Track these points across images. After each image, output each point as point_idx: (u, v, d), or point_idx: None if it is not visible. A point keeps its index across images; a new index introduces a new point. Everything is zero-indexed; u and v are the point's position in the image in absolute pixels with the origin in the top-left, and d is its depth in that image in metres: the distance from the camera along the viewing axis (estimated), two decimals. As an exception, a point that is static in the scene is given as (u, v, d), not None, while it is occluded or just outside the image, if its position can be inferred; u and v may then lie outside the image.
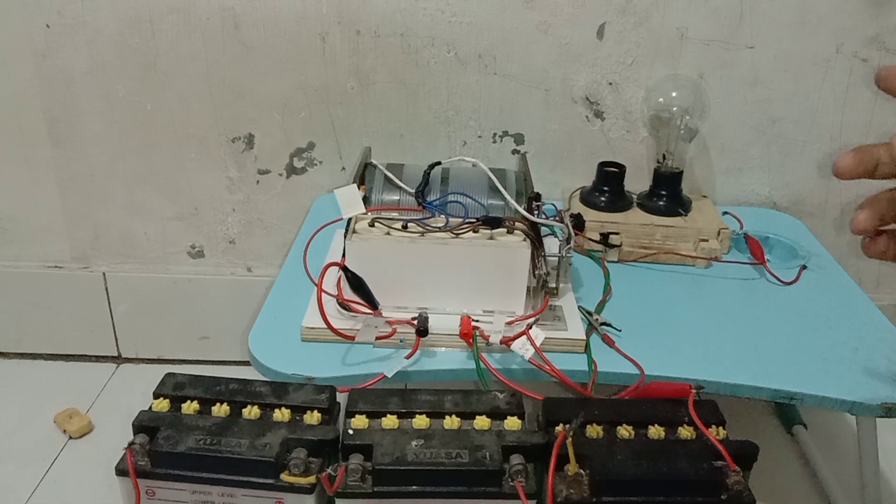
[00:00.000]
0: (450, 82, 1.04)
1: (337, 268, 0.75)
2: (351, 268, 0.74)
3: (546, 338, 0.72)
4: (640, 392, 0.69)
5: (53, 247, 1.16)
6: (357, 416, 0.61)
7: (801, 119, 1.06)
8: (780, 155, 1.09)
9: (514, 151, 1.09)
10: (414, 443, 0.58)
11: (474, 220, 0.77)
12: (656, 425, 0.62)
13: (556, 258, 0.78)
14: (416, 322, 0.72)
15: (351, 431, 0.59)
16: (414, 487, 0.57)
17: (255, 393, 0.64)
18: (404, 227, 0.76)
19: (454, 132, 1.08)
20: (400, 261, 0.75)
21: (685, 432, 0.61)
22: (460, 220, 0.77)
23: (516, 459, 0.57)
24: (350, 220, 0.77)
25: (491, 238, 0.76)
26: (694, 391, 0.65)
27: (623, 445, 0.60)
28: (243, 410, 0.62)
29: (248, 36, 1.02)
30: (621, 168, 1.00)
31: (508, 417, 0.61)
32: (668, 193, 0.99)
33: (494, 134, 1.08)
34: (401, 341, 0.73)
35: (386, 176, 0.82)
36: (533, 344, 0.71)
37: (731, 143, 1.08)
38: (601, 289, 0.86)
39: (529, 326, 0.73)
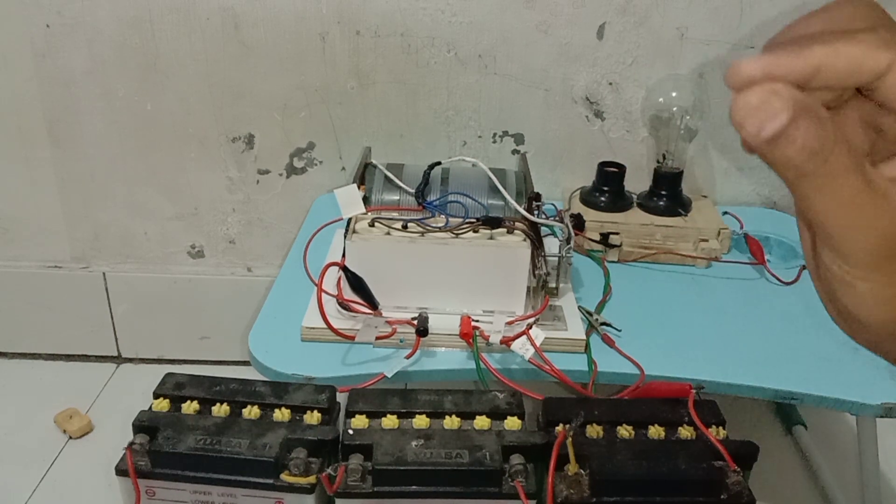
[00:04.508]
0: (450, 82, 1.04)
1: (337, 268, 0.75)
2: (351, 268, 0.74)
3: (546, 338, 0.72)
4: (640, 392, 0.69)
5: (53, 247, 1.16)
6: (357, 416, 0.61)
7: (801, 119, 1.06)
8: (780, 155, 1.09)
9: (514, 151, 1.09)
10: (414, 443, 0.58)
11: (474, 220, 0.77)
12: (656, 425, 0.61)
13: (556, 258, 0.78)
14: (416, 322, 0.72)
15: (351, 431, 0.59)
16: (414, 487, 0.57)
17: (255, 393, 0.64)
18: (404, 227, 0.76)
19: (454, 132, 1.08)
20: (400, 261, 0.75)
21: (685, 432, 0.61)
22: (460, 220, 0.77)
23: (516, 459, 0.57)
24: (350, 220, 0.77)
25: (491, 238, 0.76)
26: (694, 391, 0.65)
27: (623, 445, 0.60)
28: (243, 410, 0.62)
29: (248, 36, 1.02)
30: (621, 168, 1.00)
31: (508, 417, 0.61)
32: (668, 193, 0.98)
33: (494, 134, 1.08)
34: (401, 341, 0.73)
35: (386, 176, 0.82)
36: (533, 344, 0.71)
37: (731, 143, 1.08)
38: (601, 289, 0.86)
39: (529, 326, 0.73)
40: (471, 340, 0.72)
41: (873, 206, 0.25)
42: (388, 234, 0.75)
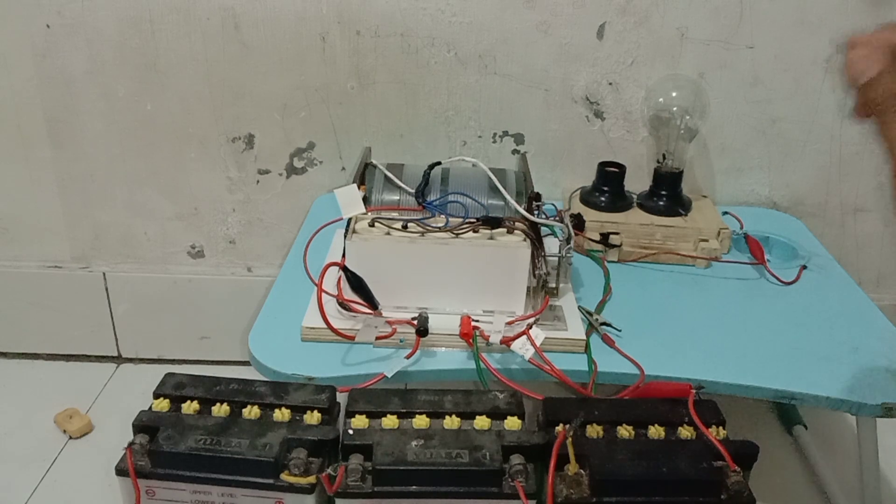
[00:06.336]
0: (450, 82, 1.04)
1: (337, 268, 0.75)
2: (351, 268, 0.74)
3: (546, 338, 0.72)
4: (640, 392, 0.69)
5: (53, 247, 1.16)
6: (357, 416, 0.61)
7: (801, 119, 1.06)
8: (780, 155, 1.09)
9: (514, 151, 1.09)
10: (414, 443, 0.58)
11: (474, 220, 0.77)
12: (656, 425, 0.62)
13: (556, 258, 0.78)
14: (416, 322, 0.72)
15: (351, 431, 0.59)
16: (414, 487, 0.57)
17: (255, 393, 0.64)
18: (404, 227, 0.76)
19: (454, 132, 1.08)
20: (400, 261, 0.75)
21: (685, 432, 0.61)
22: (460, 220, 0.77)
23: (516, 459, 0.57)
24: (350, 220, 0.77)
25: (491, 238, 0.76)
26: (694, 391, 0.65)
27: (623, 445, 0.60)
28: (243, 410, 0.62)
29: (248, 36, 1.02)
30: (621, 168, 1.00)
31: (508, 417, 0.61)
32: (668, 193, 0.99)
33: (494, 134, 1.08)
34: (401, 341, 0.73)
35: (386, 176, 0.82)
36: (533, 344, 0.71)
37: (731, 143, 1.08)
38: (601, 289, 0.86)
39: (529, 326, 0.73)
40: (471, 340, 0.72)
41: None
42: (388, 234, 0.75)
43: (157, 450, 0.58)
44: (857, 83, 0.42)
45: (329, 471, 0.56)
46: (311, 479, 0.57)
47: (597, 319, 0.78)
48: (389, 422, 0.61)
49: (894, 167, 0.42)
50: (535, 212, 0.80)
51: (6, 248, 1.16)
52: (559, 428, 0.60)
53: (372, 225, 0.76)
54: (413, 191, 0.80)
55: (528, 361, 0.71)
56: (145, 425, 0.60)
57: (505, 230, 0.76)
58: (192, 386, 0.64)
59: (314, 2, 0.99)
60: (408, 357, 0.70)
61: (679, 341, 0.78)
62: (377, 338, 0.73)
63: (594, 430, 0.61)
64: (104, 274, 1.16)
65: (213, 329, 1.20)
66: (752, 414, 1.10)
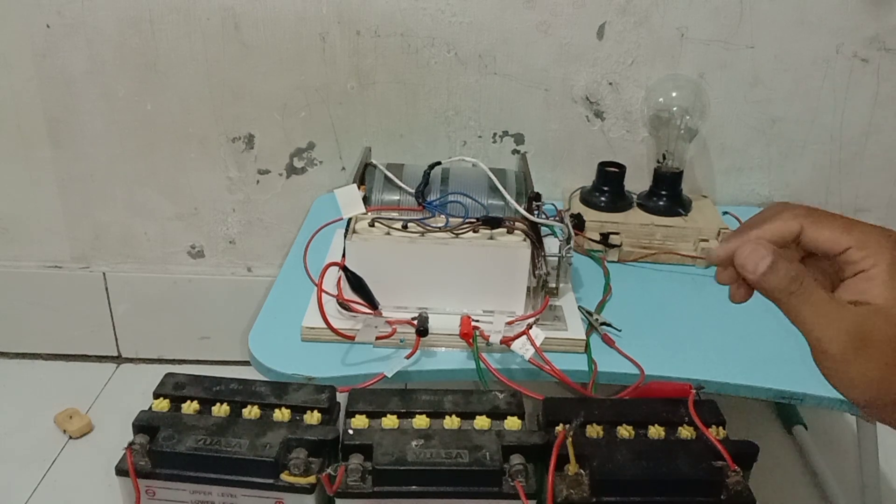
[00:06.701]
0: (450, 82, 1.04)
1: (337, 268, 0.75)
2: (351, 268, 0.74)
3: (546, 338, 0.72)
4: (640, 392, 0.69)
5: (53, 247, 1.16)
6: (357, 416, 0.61)
7: (801, 119, 1.06)
8: (780, 155, 1.09)
9: (514, 151, 1.09)
10: (414, 443, 0.58)
11: (474, 220, 0.77)
12: (656, 425, 0.61)
13: (556, 258, 0.78)
14: (416, 322, 0.72)
15: (351, 431, 0.59)
16: (414, 487, 0.57)
17: (255, 393, 0.64)
18: (404, 227, 0.76)
19: (454, 132, 1.08)
20: (400, 261, 0.75)
21: (685, 432, 0.61)
22: (460, 220, 0.77)
23: (516, 459, 0.57)
24: (350, 220, 0.77)
25: (491, 238, 0.76)
26: (694, 391, 0.65)
27: (623, 445, 0.60)
28: (243, 410, 0.62)
29: (248, 36, 1.02)
30: (621, 168, 1.00)
31: (508, 417, 0.61)
32: (668, 193, 0.98)
33: (494, 134, 1.08)
34: (401, 341, 0.73)
35: (386, 176, 0.82)
36: (533, 344, 0.71)
37: (731, 143, 1.08)
38: (601, 289, 0.86)
39: (529, 326, 0.73)
40: (471, 340, 0.72)
41: (837, 312, 0.40)
42: (388, 234, 0.75)
43: (157, 450, 0.57)
44: (756, 275, 0.40)
45: (329, 471, 0.56)
46: (311, 479, 0.57)
47: (597, 319, 0.78)
48: (389, 422, 0.60)
49: (813, 347, 0.42)
50: (535, 212, 0.79)
51: (6, 248, 1.16)
52: (559, 428, 0.60)
53: (372, 225, 0.76)
54: (413, 191, 0.80)
55: (528, 361, 0.71)
56: (145, 425, 0.60)
57: (505, 230, 0.76)
58: (192, 386, 0.64)
59: (314, 2, 1.00)
60: (408, 357, 0.70)
61: (679, 341, 0.78)
62: (377, 338, 0.73)
63: (594, 430, 0.61)
64: (104, 274, 1.16)
65: (213, 329, 1.20)
66: (752, 414, 1.10)
